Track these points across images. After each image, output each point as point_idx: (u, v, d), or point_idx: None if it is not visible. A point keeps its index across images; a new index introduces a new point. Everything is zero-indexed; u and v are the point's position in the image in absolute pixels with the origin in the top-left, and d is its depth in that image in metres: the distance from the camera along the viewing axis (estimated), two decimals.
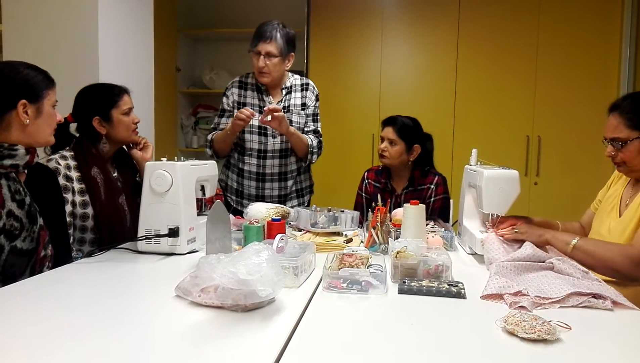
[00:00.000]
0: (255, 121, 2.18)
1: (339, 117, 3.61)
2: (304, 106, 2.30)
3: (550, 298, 1.10)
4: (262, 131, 2.22)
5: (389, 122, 2.23)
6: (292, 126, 2.21)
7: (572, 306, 1.09)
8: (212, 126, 2.30)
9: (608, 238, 1.52)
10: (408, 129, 2.19)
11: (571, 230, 1.76)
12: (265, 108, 2.07)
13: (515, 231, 1.51)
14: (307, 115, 2.31)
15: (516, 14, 3.42)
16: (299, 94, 2.30)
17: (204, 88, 3.97)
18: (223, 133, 2.18)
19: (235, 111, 2.17)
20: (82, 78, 1.87)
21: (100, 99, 1.72)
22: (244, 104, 2.23)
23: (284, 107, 2.23)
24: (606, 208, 1.64)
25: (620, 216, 1.55)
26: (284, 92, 2.27)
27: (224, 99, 2.27)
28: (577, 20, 3.36)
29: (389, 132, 2.19)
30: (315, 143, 2.28)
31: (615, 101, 1.53)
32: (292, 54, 2.23)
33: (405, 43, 3.60)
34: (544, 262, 1.35)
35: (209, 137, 2.26)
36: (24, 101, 1.27)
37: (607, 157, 1.54)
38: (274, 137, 2.22)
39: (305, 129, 2.29)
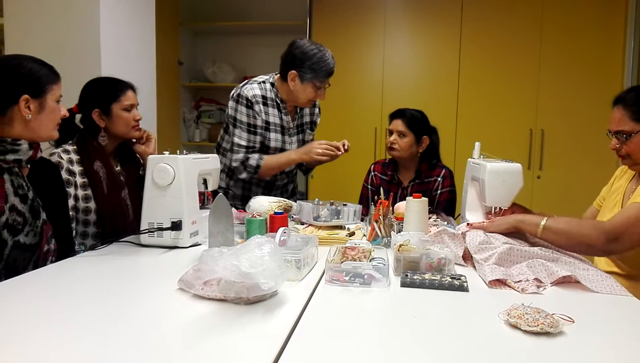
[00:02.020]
0: (277, 143, 2.14)
1: (342, 111, 3.60)
2: (312, 124, 2.29)
3: (543, 284, 1.18)
4: (283, 149, 2.17)
5: (397, 114, 2.23)
6: (302, 144, 2.24)
7: (568, 282, 1.20)
8: (240, 143, 2.06)
9: None
10: (417, 121, 2.19)
11: None
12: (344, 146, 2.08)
13: (483, 222, 1.53)
14: (312, 130, 2.31)
15: (519, 7, 3.39)
16: (307, 110, 2.26)
17: (207, 82, 3.97)
18: (283, 161, 2.09)
19: (263, 129, 2.09)
20: (84, 72, 1.86)
21: (103, 92, 1.72)
22: (268, 123, 2.11)
23: (298, 126, 2.22)
24: (609, 204, 1.63)
25: None
26: (298, 109, 2.22)
27: (251, 113, 2.05)
28: (580, 14, 3.33)
29: (398, 124, 2.19)
30: None
31: (619, 93, 1.53)
32: None
33: (408, 37, 3.57)
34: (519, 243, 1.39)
35: (254, 163, 2.06)
36: (26, 96, 1.26)
37: (611, 150, 1.54)
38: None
39: (307, 139, 2.29)
